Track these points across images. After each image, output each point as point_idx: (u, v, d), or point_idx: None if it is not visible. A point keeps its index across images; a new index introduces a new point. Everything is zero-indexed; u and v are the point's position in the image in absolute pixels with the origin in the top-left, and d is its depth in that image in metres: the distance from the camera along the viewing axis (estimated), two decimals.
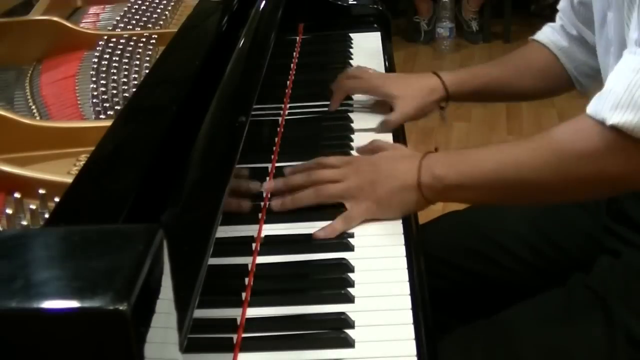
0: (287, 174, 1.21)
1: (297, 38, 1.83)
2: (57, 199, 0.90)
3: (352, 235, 1.12)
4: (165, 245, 0.61)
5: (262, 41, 1.38)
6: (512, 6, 4.58)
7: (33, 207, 0.93)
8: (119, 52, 1.38)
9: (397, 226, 1.14)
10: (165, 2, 1.64)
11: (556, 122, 3.68)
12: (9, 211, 0.93)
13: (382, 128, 1.44)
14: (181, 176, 0.92)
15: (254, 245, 1.10)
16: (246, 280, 1.02)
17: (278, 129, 1.42)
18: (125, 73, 1.32)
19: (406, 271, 1.05)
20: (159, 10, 1.60)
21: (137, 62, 1.35)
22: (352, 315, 0.96)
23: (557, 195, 1.14)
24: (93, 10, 1.68)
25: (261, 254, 1.09)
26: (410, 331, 0.94)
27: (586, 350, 1.15)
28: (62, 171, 1.04)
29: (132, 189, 0.82)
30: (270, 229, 1.14)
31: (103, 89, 1.27)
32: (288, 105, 1.52)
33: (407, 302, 0.99)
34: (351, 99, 1.55)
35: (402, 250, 1.09)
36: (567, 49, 1.48)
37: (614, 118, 1.02)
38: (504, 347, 1.17)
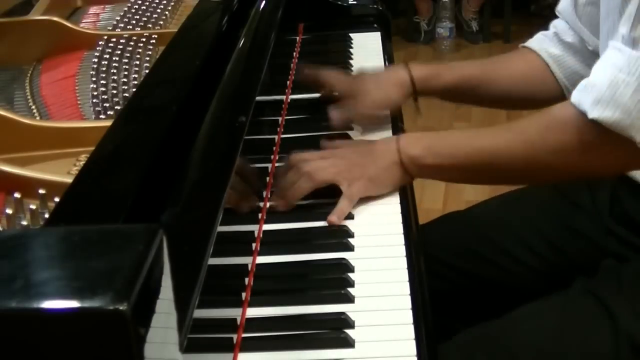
0: (277, 176, 1.24)
1: (297, 38, 1.83)
2: (57, 199, 0.90)
3: (352, 235, 1.12)
4: (165, 245, 0.61)
5: (262, 41, 1.38)
6: (512, 6, 4.58)
7: (33, 207, 0.93)
8: (119, 52, 1.38)
9: (397, 226, 1.14)
10: (165, 2, 1.64)
11: None
12: (9, 211, 0.93)
13: (333, 118, 1.40)
14: (181, 176, 0.92)
15: (254, 245, 1.10)
16: (246, 280, 1.02)
17: (278, 129, 1.42)
18: (125, 73, 1.32)
19: (406, 271, 1.05)
20: (159, 10, 1.60)
21: (137, 62, 1.35)
22: (352, 315, 0.96)
23: (527, 180, 1.24)
24: (93, 10, 1.68)
25: (261, 254, 1.09)
26: (410, 331, 0.94)
27: (590, 356, 1.14)
28: (62, 171, 1.04)
29: (132, 189, 0.82)
30: (270, 229, 1.14)
31: (103, 89, 1.27)
32: (288, 106, 1.52)
33: (407, 302, 0.99)
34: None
35: (402, 250, 1.09)
36: (559, 57, 1.44)
37: (594, 112, 1.06)
38: (507, 353, 1.16)
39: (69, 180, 0.89)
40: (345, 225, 1.13)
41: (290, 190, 1.19)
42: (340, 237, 1.11)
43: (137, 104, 1.09)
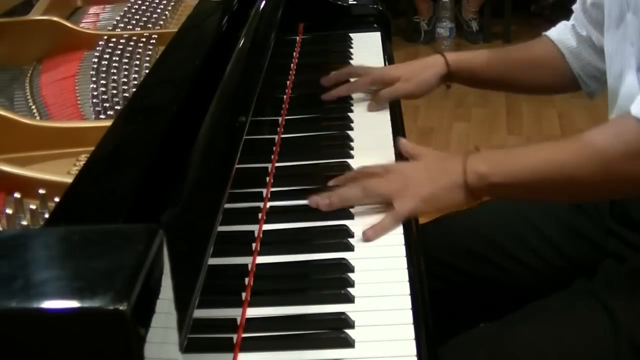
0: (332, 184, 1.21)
1: (297, 38, 1.83)
2: (57, 199, 0.90)
3: (352, 235, 1.12)
4: (165, 245, 0.61)
5: (262, 41, 1.38)
6: (512, 6, 4.58)
7: (33, 207, 0.93)
8: (119, 52, 1.38)
9: (397, 226, 1.14)
10: (165, 2, 1.64)
11: (556, 122, 3.72)
12: (9, 211, 0.93)
13: (376, 101, 1.50)
14: (181, 176, 0.92)
15: (254, 245, 1.10)
16: (246, 280, 1.02)
17: (278, 129, 1.42)
18: (125, 73, 1.32)
19: (406, 271, 1.05)
20: (159, 10, 1.60)
21: (137, 62, 1.35)
22: (352, 315, 0.96)
23: (599, 193, 1.18)
24: (93, 10, 1.68)
25: (261, 254, 1.09)
26: (410, 331, 0.94)
27: (589, 354, 1.15)
28: (62, 171, 1.04)
29: (132, 189, 0.82)
30: (270, 229, 1.14)
31: (103, 89, 1.27)
32: (288, 106, 1.52)
33: (407, 302, 0.99)
34: (351, 98, 1.55)
35: (402, 250, 1.09)
36: (575, 49, 1.48)
37: None
38: (507, 353, 1.16)
39: (69, 180, 0.89)
40: (345, 225, 1.13)
41: (337, 194, 1.16)
42: (340, 237, 1.11)
43: (137, 104, 1.09)
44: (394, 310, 0.98)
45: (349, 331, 0.94)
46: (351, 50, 1.79)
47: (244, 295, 1.00)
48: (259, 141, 1.34)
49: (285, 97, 1.55)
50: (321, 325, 0.96)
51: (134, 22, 1.54)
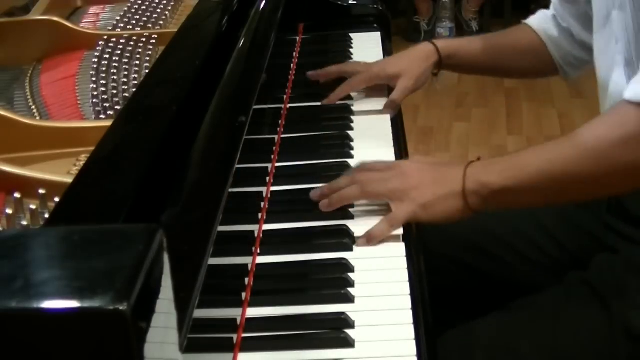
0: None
1: (297, 38, 1.83)
2: (57, 199, 0.90)
3: (352, 236, 1.12)
4: (165, 245, 0.61)
5: (262, 41, 1.38)
6: (512, 6, 4.58)
7: (33, 207, 0.93)
8: (119, 52, 1.38)
9: (393, 231, 1.14)
10: (165, 2, 1.64)
11: (556, 122, 3.72)
12: (9, 211, 0.93)
13: (387, 109, 1.50)
14: (181, 176, 0.92)
15: (254, 245, 1.10)
16: (246, 280, 1.02)
17: (278, 129, 1.42)
18: (125, 73, 1.32)
19: (406, 271, 1.05)
20: (159, 10, 1.60)
21: (137, 62, 1.35)
22: (352, 315, 0.96)
23: (602, 187, 1.15)
24: (93, 10, 1.68)
25: (261, 254, 1.09)
26: (410, 331, 0.94)
27: (586, 344, 1.16)
28: (62, 171, 1.04)
29: (132, 189, 0.82)
30: (270, 229, 1.14)
31: (103, 89, 1.27)
32: (288, 106, 1.52)
33: (407, 302, 0.99)
34: (351, 98, 1.55)
35: (402, 250, 1.09)
36: (556, 38, 1.52)
37: None
38: (504, 344, 1.18)
39: (69, 180, 0.89)
40: (345, 225, 1.13)
41: (337, 194, 1.16)
42: (340, 237, 1.11)
43: (137, 104, 1.09)
44: (394, 310, 0.98)
45: (349, 331, 0.94)
46: (351, 50, 1.79)
47: (244, 295, 1.00)
48: (259, 141, 1.34)
49: (285, 97, 1.55)
50: (321, 325, 0.96)
51: (134, 22, 1.54)
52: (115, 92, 1.27)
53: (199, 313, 0.75)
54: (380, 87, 1.57)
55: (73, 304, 0.54)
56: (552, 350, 1.16)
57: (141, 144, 0.95)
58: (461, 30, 4.70)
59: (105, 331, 0.54)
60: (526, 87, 3.91)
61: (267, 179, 1.25)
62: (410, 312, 0.97)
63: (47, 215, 0.92)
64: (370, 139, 1.39)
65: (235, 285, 1.01)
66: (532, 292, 1.24)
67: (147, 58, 1.38)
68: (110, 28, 1.53)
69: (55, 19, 1.47)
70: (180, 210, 0.86)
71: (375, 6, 1.92)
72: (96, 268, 0.58)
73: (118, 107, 1.23)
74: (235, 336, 0.94)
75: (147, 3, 1.63)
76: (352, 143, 1.37)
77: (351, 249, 1.09)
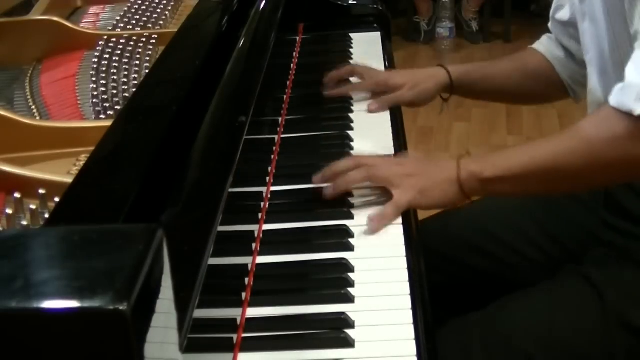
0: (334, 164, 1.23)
1: (297, 38, 1.83)
2: (57, 199, 0.90)
3: (352, 236, 1.12)
4: (165, 245, 0.61)
5: (262, 41, 1.38)
6: (512, 6, 4.58)
7: (33, 207, 0.93)
8: (119, 52, 1.38)
9: (397, 226, 1.14)
10: (165, 2, 1.64)
11: (556, 122, 3.72)
12: (9, 211, 0.93)
13: (372, 105, 1.51)
14: (181, 176, 0.92)
15: (254, 245, 1.10)
16: (246, 280, 1.02)
17: (278, 129, 1.42)
18: (125, 73, 1.32)
19: (406, 271, 1.05)
20: (159, 10, 1.60)
21: (137, 62, 1.35)
22: (352, 315, 0.96)
23: (588, 181, 1.21)
24: (93, 10, 1.68)
25: (261, 254, 1.09)
26: (410, 331, 0.94)
27: (581, 335, 1.17)
28: (62, 171, 1.04)
29: (132, 189, 0.82)
30: (270, 229, 1.14)
31: (103, 89, 1.27)
32: (288, 106, 1.52)
33: (407, 302, 0.99)
34: (351, 98, 1.55)
35: (402, 250, 1.09)
36: (562, 59, 1.53)
37: None
38: (500, 337, 1.19)
39: (69, 180, 0.89)
40: (345, 225, 1.13)
41: (343, 177, 1.18)
42: (340, 237, 1.11)
43: (137, 104, 1.09)
44: (394, 310, 0.98)
45: (349, 331, 0.94)
46: (351, 50, 1.79)
47: (244, 295, 1.00)
48: (259, 141, 1.34)
49: (285, 97, 1.55)
50: (321, 325, 0.96)
51: (134, 22, 1.54)
52: (115, 92, 1.27)
53: (199, 313, 0.75)
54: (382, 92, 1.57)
55: (73, 304, 0.54)
56: (547, 340, 1.18)
57: (141, 144, 0.95)
58: (461, 30, 4.71)
59: (105, 331, 0.54)
60: None
61: (267, 179, 1.25)
62: (410, 312, 0.97)
63: (47, 215, 0.92)
64: (370, 139, 1.39)
65: (235, 285, 1.01)
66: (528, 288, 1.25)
67: (147, 58, 1.38)
68: (110, 28, 1.53)
69: (55, 19, 1.47)
70: (180, 210, 0.86)
71: (375, 6, 1.92)
72: (96, 268, 0.58)
73: (118, 107, 1.23)
74: (235, 336, 0.94)
75: (147, 3, 1.63)
76: (352, 143, 1.37)
77: (351, 249, 1.09)
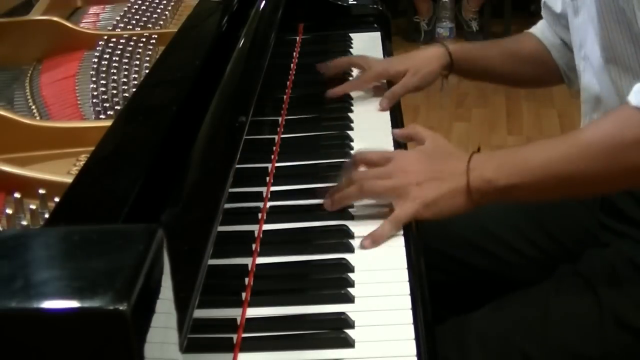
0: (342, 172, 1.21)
1: (297, 38, 1.83)
2: (57, 199, 0.90)
3: (352, 236, 1.12)
4: (165, 245, 0.61)
5: (262, 41, 1.38)
6: (512, 6, 4.59)
7: (33, 207, 0.93)
8: (119, 52, 1.38)
9: (396, 232, 1.14)
10: (165, 2, 1.64)
11: (556, 122, 3.72)
12: (9, 211, 0.93)
13: (385, 100, 1.51)
14: (181, 176, 0.92)
15: (254, 245, 1.10)
16: (246, 280, 1.02)
17: (278, 129, 1.42)
18: (125, 73, 1.32)
19: (406, 271, 1.05)
20: (159, 10, 1.60)
21: (137, 62, 1.35)
22: (352, 315, 0.96)
23: (608, 185, 1.15)
24: (93, 10, 1.68)
25: (261, 254, 1.09)
26: (410, 331, 0.94)
27: (577, 334, 1.18)
28: (62, 171, 1.04)
29: (132, 189, 0.82)
30: (270, 229, 1.14)
31: (103, 89, 1.27)
32: (288, 106, 1.52)
33: (407, 302, 0.99)
34: (351, 98, 1.55)
35: (402, 250, 1.09)
36: (558, 45, 1.54)
37: None
38: (498, 335, 1.19)
39: (69, 180, 0.89)
40: (345, 226, 1.13)
41: (338, 195, 1.15)
42: (340, 237, 1.11)
43: (137, 104, 1.09)
44: (394, 310, 0.98)
45: (349, 331, 0.94)
46: (351, 50, 1.79)
47: (244, 295, 1.00)
48: (259, 141, 1.34)
49: (285, 97, 1.55)
50: (321, 325, 0.96)
51: (134, 22, 1.54)
52: (115, 92, 1.27)
53: (199, 313, 0.75)
54: (381, 87, 1.57)
55: (73, 304, 0.54)
56: (544, 338, 1.18)
57: (141, 144, 0.95)
58: (461, 30, 4.71)
59: (105, 331, 0.54)
60: None
61: (267, 179, 1.25)
62: (410, 312, 0.97)
63: (47, 215, 0.92)
64: (370, 139, 1.39)
65: (235, 285, 1.01)
66: (526, 287, 1.25)
67: (147, 58, 1.38)
68: (110, 28, 1.53)
69: (55, 19, 1.47)
70: (180, 210, 0.86)
71: (375, 6, 1.92)
72: (96, 268, 0.58)
73: (118, 107, 1.23)
74: (235, 336, 0.94)
75: (147, 3, 1.63)
76: (352, 143, 1.37)
77: (351, 250, 1.09)
